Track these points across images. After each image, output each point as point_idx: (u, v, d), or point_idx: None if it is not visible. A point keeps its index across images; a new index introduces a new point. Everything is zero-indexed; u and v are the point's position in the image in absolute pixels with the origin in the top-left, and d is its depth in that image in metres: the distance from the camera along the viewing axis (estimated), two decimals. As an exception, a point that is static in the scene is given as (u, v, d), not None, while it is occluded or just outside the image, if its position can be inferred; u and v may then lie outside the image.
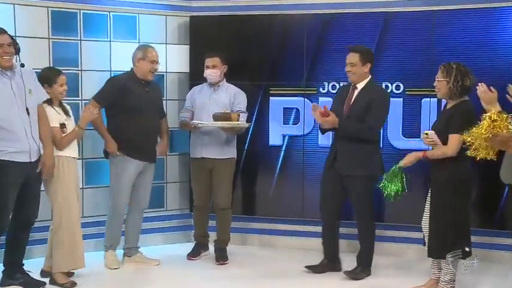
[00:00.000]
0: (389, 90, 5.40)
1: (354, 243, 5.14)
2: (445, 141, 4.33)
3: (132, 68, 4.99)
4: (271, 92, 5.62)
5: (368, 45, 5.17)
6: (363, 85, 4.71)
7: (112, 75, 5.41)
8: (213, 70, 5.12)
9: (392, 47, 5.37)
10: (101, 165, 5.41)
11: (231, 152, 5.28)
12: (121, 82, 4.91)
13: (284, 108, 5.66)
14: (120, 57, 5.48)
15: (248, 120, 5.28)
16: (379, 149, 4.89)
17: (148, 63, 4.93)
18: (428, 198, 4.53)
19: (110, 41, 5.56)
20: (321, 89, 5.62)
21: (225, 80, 5.28)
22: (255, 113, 5.73)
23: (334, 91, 5.46)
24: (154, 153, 5.11)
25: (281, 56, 5.61)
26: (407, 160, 4.36)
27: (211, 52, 5.16)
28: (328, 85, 5.57)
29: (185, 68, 5.82)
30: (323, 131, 4.88)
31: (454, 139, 4.23)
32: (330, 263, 5.06)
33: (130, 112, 4.90)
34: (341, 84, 5.36)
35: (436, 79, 4.39)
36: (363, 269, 4.90)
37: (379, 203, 5.24)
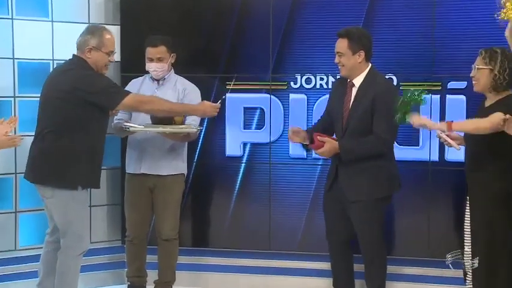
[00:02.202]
0: None
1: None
2: (485, 157, 3.80)
3: (75, 56, 4.14)
4: (228, 87, 4.91)
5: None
6: (361, 79, 4.11)
7: (17, 65, 4.76)
8: (159, 64, 4.50)
9: (381, 29, 4.73)
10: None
11: (178, 166, 4.64)
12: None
13: (245, 108, 5.01)
14: (26, 40, 4.81)
15: (200, 123, 4.66)
16: (393, 161, 4.26)
17: (105, 56, 4.12)
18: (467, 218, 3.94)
19: (12, 18, 4.79)
20: (292, 84, 4.95)
21: (172, 71, 4.64)
22: None
23: (309, 86, 4.89)
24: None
25: (241, 41, 5.02)
26: (418, 121, 3.77)
27: (154, 38, 4.51)
28: (301, 79, 4.89)
29: (115, 55, 4.73)
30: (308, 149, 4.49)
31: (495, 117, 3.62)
32: None
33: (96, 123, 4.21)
34: (328, 79, 4.82)
35: (475, 67, 3.85)
36: None
37: (390, 232, 4.75)
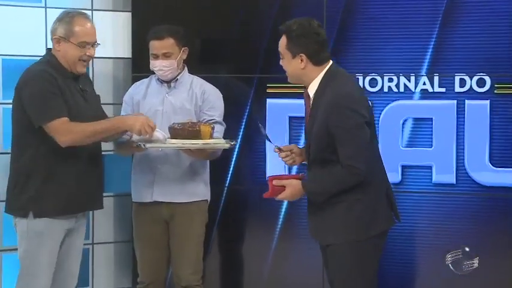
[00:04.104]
0: (466, 88, 4.28)
1: None
2: None
3: (48, 50, 3.92)
4: (269, 90, 4.55)
5: (427, 18, 4.31)
6: (315, 88, 3.61)
7: (1, 62, 4.44)
8: (166, 61, 4.16)
9: (468, 25, 4.28)
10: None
11: (200, 191, 4.26)
12: (54, 78, 3.83)
13: (290, 117, 4.51)
14: (13, 31, 4.49)
15: (228, 135, 4.26)
16: (377, 192, 3.71)
17: (76, 48, 3.81)
18: None
19: None
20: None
21: (186, 70, 4.28)
22: (243, 125, 4.66)
23: (374, 89, 4.41)
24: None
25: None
26: None
27: (159, 29, 4.21)
28: (363, 80, 4.40)
29: (124, 50, 4.85)
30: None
31: None
32: None
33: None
34: (399, 80, 4.38)
35: None
36: None
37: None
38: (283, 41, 3.57)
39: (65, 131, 3.68)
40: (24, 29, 4.40)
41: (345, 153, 3.46)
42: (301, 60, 3.52)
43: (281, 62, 3.65)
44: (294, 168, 4.55)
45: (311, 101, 3.60)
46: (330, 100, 3.49)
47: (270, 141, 3.82)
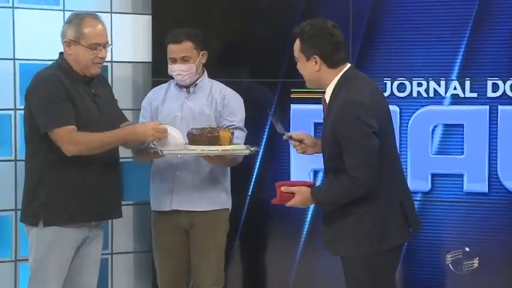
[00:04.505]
0: (499, 93, 4.19)
1: None
2: None
3: (61, 54, 3.83)
4: (293, 95, 4.48)
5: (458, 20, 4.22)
6: (330, 92, 3.55)
7: (18, 67, 4.41)
8: (184, 65, 4.11)
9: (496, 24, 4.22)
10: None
11: (220, 199, 4.21)
12: (61, 82, 3.77)
13: (316, 123, 4.41)
14: (31, 35, 4.46)
15: (250, 141, 4.18)
16: (386, 204, 3.62)
17: (87, 50, 3.72)
18: None
19: (13, 7, 4.42)
20: (376, 91, 4.58)
21: (206, 75, 4.23)
22: (266, 132, 4.58)
23: (402, 94, 4.36)
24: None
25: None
26: None
27: (176, 33, 4.18)
28: (391, 85, 4.33)
29: (144, 54, 4.82)
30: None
31: None
32: None
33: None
34: (429, 85, 4.33)
35: None
36: None
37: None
38: (297, 44, 3.52)
39: (70, 140, 3.64)
40: (42, 33, 4.36)
41: (349, 163, 3.41)
42: (315, 62, 3.45)
43: (297, 66, 3.60)
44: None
45: (326, 105, 3.54)
46: (339, 107, 3.43)
47: (282, 131, 3.76)
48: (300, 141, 3.72)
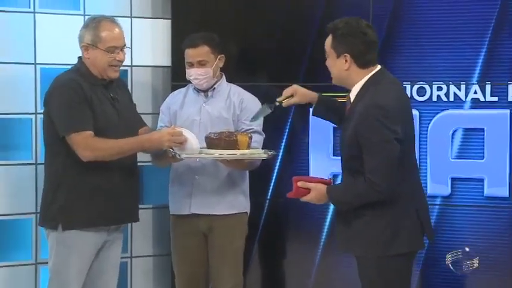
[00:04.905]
0: None
1: None
2: None
3: (79, 59, 3.82)
4: None
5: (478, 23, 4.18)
6: (356, 92, 3.50)
7: (39, 72, 4.39)
8: (201, 69, 4.09)
9: None
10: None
11: (239, 203, 4.19)
12: (80, 86, 3.77)
13: (335, 128, 4.37)
14: (51, 40, 4.45)
15: (269, 145, 4.17)
16: (403, 208, 3.57)
17: (104, 54, 3.71)
18: None
19: (34, 12, 4.40)
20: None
21: (224, 79, 4.21)
22: (286, 135, 4.58)
23: (422, 98, 4.35)
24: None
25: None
26: None
27: (193, 37, 4.16)
28: (411, 89, 4.31)
29: (163, 59, 4.80)
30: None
31: None
32: None
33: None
34: (449, 89, 4.30)
35: None
36: None
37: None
38: (328, 40, 3.48)
39: (86, 146, 3.63)
40: (62, 37, 4.32)
41: (368, 165, 3.38)
42: (346, 61, 3.41)
43: (326, 62, 3.55)
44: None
45: (350, 105, 3.50)
46: (363, 108, 3.38)
47: (271, 108, 3.74)
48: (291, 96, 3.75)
